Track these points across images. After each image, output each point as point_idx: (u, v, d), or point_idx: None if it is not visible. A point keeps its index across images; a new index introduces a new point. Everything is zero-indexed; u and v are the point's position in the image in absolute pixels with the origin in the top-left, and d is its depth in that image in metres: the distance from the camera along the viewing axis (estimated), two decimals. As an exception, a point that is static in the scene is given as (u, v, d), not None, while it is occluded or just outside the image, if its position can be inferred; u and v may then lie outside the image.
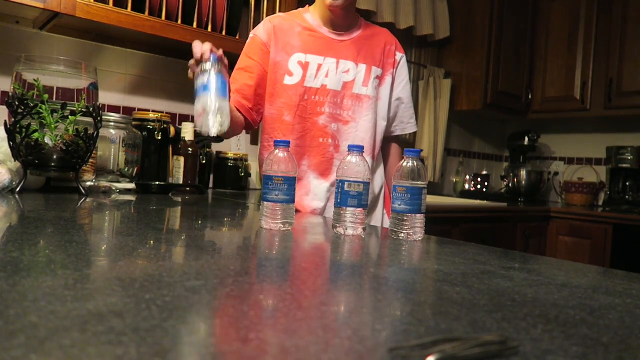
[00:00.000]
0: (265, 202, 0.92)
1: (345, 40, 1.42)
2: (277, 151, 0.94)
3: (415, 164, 0.92)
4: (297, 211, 1.34)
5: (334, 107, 1.39)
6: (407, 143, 3.12)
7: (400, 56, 1.51)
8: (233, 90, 1.38)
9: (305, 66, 1.38)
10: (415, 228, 0.92)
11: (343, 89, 1.40)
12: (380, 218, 1.54)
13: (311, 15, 1.44)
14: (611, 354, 0.37)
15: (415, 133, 3.08)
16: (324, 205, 1.40)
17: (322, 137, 1.39)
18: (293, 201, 0.94)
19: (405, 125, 1.55)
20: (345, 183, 0.92)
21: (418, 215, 0.92)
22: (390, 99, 1.50)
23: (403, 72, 1.52)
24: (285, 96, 1.38)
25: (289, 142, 0.96)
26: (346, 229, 0.93)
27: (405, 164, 0.92)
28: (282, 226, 0.92)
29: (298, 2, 2.13)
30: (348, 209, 0.92)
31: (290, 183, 0.93)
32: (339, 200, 0.93)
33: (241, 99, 1.37)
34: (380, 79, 1.46)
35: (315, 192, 1.39)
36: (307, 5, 1.47)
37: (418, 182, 0.91)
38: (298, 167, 1.33)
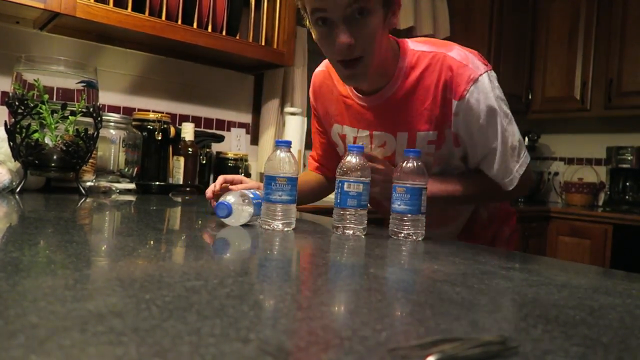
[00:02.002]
0: (268, 203, 0.92)
1: (378, 103, 1.08)
2: (278, 152, 0.94)
3: (415, 164, 0.92)
4: None
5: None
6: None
7: (456, 104, 1.01)
8: (312, 154, 1.36)
9: (343, 138, 1.18)
10: (415, 228, 0.92)
11: None
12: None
13: None
14: (611, 354, 0.37)
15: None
16: None
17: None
18: (295, 202, 0.94)
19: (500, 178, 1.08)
20: (345, 183, 0.92)
21: (418, 216, 0.92)
22: (466, 158, 1.10)
23: (470, 120, 1.02)
24: None
25: (290, 142, 0.95)
26: (346, 229, 0.93)
27: (405, 164, 0.92)
28: (284, 227, 0.92)
29: (298, 2, 2.13)
30: (348, 209, 0.92)
31: (293, 184, 0.93)
32: (338, 201, 0.93)
33: (317, 164, 1.34)
34: (436, 142, 1.06)
35: None
36: None
37: (418, 182, 0.91)
38: None
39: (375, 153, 1.11)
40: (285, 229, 0.93)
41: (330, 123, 1.19)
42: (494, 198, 1.19)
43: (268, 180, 0.92)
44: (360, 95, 1.10)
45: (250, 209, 0.94)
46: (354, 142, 1.15)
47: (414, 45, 1.06)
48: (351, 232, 0.93)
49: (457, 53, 1.02)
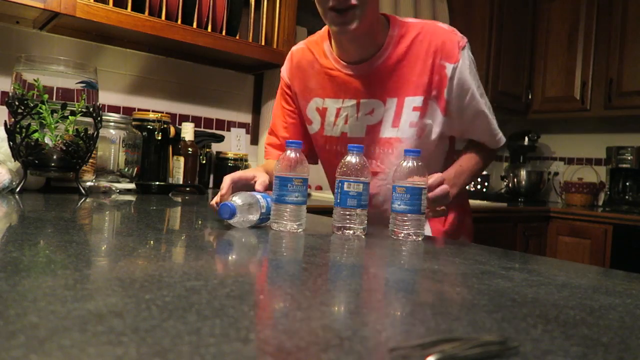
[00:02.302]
0: (281, 204, 0.91)
1: (367, 72, 1.12)
2: (290, 152, 0.93)
3: (415, 164, 0.92)
4: None
5: None
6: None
7: (450, 68, 1.08)
8: (272, 142, 1.30)
9: (323, 112, 1.19)
10: (415, 228, 0.92)
11: (368, 134, 1.15)
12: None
13: (329, 45, 1.16)
14: (611, 354, 0.37)
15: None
16: None
17: None
18: (306, 202, 0.95)
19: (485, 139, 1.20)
20: (345, 183, 0.92)
21: (418, 215, 0.92)
22: (452, 129, 1.16)
23: (463, 88, 1.10)
24: (314, 144, 1.27)
25: (300, 143, 0.95)
26: (346, 229, 0.93)
27: (405, 163, 0.93)
28: (298, 227, 0.92)
29: (298, 2, 2.13)
30: (348, 209, 0.92)
31: (306, 185, 0.94)
32: (338, 200, 0.93)
33: (269, 147, 1.30)
34: (421, 109, 1.11)
35: None
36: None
37: (418, 182, 0.91)
38: None
39: (361, 122, 1.14)
40: (299, 230, 0.92)
41: (308, 98, 1.20)
42: (490, 160, 1.28)
43: (283, 181, 0.91)
44: (348, 65, 1.12)
45: (255, 217, 0.92)
46: (337, 114, 1.16)
47: (402, 19, 1.15)
48: (351, 232, 0.93)
49: (443, 23, 1.14)
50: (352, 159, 0.93)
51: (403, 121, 1.12)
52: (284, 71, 1.26)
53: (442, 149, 1.21)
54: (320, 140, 1.22)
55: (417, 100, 1.10)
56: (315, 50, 1.19)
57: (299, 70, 1.22)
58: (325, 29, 1.18)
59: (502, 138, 1.22)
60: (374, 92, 1.12)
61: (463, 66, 1.08)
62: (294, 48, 1.26)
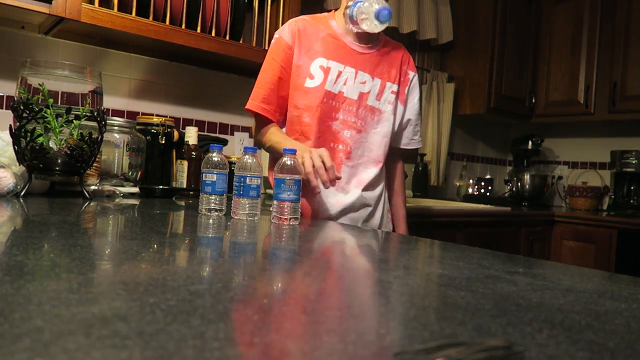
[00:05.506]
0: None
1: (366, 53, 1.45)
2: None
3: (291, 162, 1.11)
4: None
5: (348, 114, 1.42)
6: (413, 156, 3.11)
7: (412, 75, 1.54)
8: (257, 95, 1.42)
9: (326, 71, 1.40)
10: (296, 214, 1.11)
11: (359, 98, 1.43)
12: (378, 222, 1.53)
13: (336, 22, 1.46)
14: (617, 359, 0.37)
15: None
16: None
17: (333, 142, 1.41)
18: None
19: (409, 141, 1.59)
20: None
21: (291, 204, 1.10)
22: (402, 117, 1.54)
23: (415, 92, 1.55)
24: (306, 98, 1.39)
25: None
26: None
27: (283, 160, 1.11)
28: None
29: (302, 6, 2.14)
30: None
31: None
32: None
33: (264, 104, 1.41)
34: (395, 94, 1.49)
35: (324, 193, 1.39)
36: (333, 11, 1.49)
37: (292, 176, 1.11)
38: None
39: (356, 87, 1.43)
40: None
41: (312, 57, 1.41)
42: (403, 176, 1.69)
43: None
44: (357, 43, 1.45)
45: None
46: (339, 75, 1.41)
47: None
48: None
49: None
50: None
51: (384, 98, 1.47)
52: (287, 35, 1.41)
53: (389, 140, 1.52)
54: (318, 92, 1.39)
55: (394, 87, 1.49)
56: (320, 22, 1.45)
57: (305, 34, 1.41)
58: (326, 15, 1.48)
59: (417, 141, 1.62)
60: (367, 69, 1.45)
61: (415, 78, 1.56)
62: (297, 18, 1.45)
